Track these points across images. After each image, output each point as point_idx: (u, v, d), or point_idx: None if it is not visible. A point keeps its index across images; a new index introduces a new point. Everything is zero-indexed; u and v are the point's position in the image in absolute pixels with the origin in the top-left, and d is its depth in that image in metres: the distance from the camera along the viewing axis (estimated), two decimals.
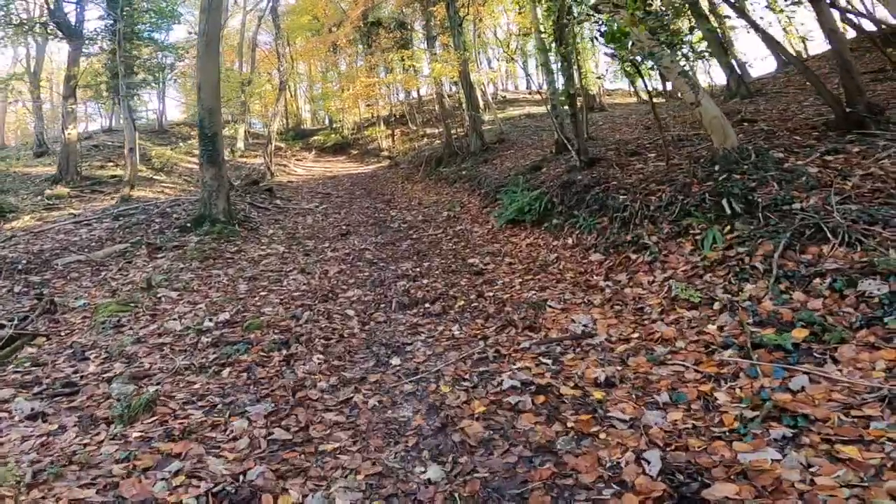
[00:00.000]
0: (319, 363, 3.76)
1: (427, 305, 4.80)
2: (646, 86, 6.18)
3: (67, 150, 15.00)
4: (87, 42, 14.23)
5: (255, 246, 7.73)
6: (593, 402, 2.90)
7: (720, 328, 3.36)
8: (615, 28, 4.94)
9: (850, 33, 10.36)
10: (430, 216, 9.74)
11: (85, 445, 2.87)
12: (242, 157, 22.43)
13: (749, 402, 2.62)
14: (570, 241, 5.91)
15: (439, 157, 16.34)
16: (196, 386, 3.47)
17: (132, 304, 5.30)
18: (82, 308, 5.56)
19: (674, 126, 9.19)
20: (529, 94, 30.98)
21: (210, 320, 4.75)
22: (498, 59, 33.75)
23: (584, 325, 3.88)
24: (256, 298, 5.42)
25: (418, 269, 6.10)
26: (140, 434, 2.91)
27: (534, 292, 4.76)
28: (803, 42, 17.17)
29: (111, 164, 17.62)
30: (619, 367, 3.22)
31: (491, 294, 4.92)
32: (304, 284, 5.82)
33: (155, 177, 16.29)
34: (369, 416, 3.01)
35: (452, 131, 17.00)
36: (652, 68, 6.62)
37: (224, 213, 8.22)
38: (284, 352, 3.98)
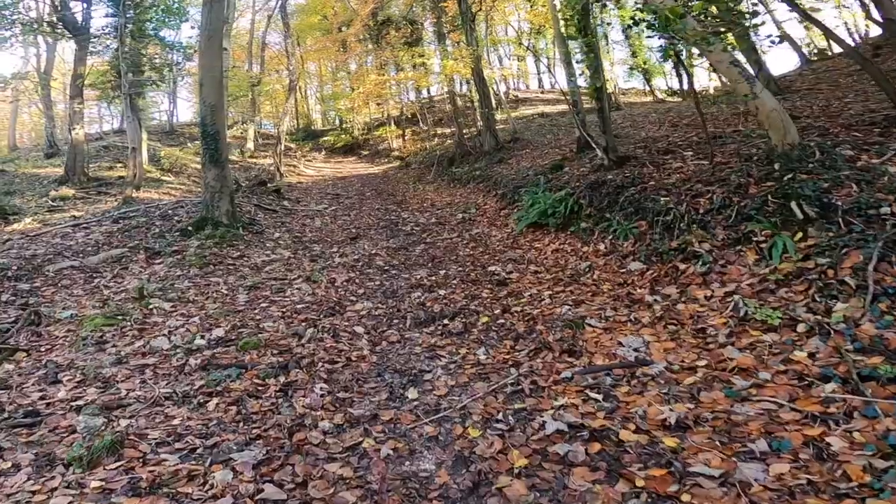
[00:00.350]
0: (322, 394, 3.19)
1: (446, 322, 4.21)
2: (689, 80, 5.53)
3: (74, 150, 14.64)
4: (93, 40, 13.84)
5: (259, 251, 7.20)
6: (665, 451, 2.29)
7: (811, 356, 2.73)
8: (667, 12, 4.30)
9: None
10: (444, 218, 9.16)
11: (34, 493, 2.33)
12: (252, 158, 22.02)
13: (875, 449, 2.02)
14: (602, 247, 5.29)
15: (451, 157, 15.76)
16: (175, 421, 2.91)
17: (120, 317, 4.77)
18: (69, 320, 5.05)
19: (689, 126, 8.50)
20: (541, 93, 30.30)
21: (202, 337, 4.20)
22: (509, 58, 33.12)
23: (636, 350, 3.27)
24: (256, 311, 4.87)
25: (434, 278, 5.51)
26: (100, 483, 2.36)
27: (568, 307, 4.14)
28: (827, 40, 16.35)
29: (120, 164, 17.28)
30: (691, 405, 2.60)
31: (518, 309, 4.31)
32: (310, 295, 5.26)
33: (163, 177, 15.89)
34: (382, 470, 2.42)
35: (464, 131, 16.43)
36: (690, 58, 5.97)
37: (227, 215, 7.70)
38: (282, 379, 3.41)
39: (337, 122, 34.58)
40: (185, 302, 5.18)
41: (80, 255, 6.96)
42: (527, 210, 7.02)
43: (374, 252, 7.02)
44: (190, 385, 3.39)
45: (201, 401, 3.18)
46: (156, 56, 14.89)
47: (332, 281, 5.69)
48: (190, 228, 7.58)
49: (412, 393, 3.15)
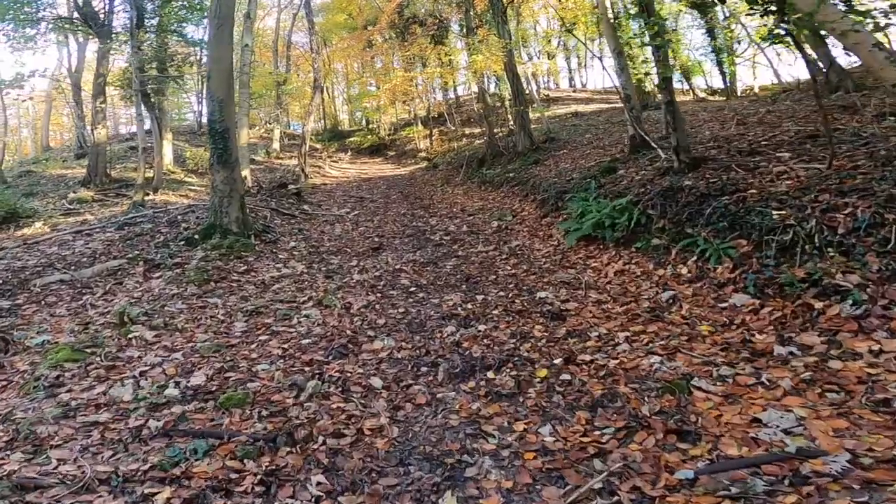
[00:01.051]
0: (318, 496, 2.18)
1: (490, 375, 3.14)
2: (810, 66, 4.32)
3: (97, 150, 14.22)
4: (114, 37, 13.33)
5: (269, 263, 6.29)
6: None
7: None
8: None
9: None
10: (476, 226, 8.09)
11: None
12: (278, 159, 21.46)
13: None
14: (684, 270, 4.13)
15: (481, 158, 14.68)
16: None
17: (91, 350, 3.89)
18: (38, 348, 4.22)
19: (760, 124, 7.19)
20: (573, 91, 28.89)
21: (177, 384, 3.25)
22: (538, 56, 31.79)
23: (787, 431, 2.14)
24: (253, 345, 3.91)
25: (470, 306, 4.45)
26: None
27: (658, 358, 3.02)
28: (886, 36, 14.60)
29: (147, 165, 16.84)
30: None
31: (587, 358, 3.21)
32: (319, 325, 4.28)
33: (186, 179, 15.34)
34: None
35: (494, 130, 15.31)
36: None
37: (237, 222, 6.83)
38: (266, 461, 2.41)
39: (364, 122, 33.95)
40: (171, 330, 4.27)
41: (74, 268, 6.19)
42: (577, 220, 5.89)
43: (398, 267, 6.01)
44: (140, 462, 2.42)
45: (147, 492, 2.21)
46: (178, 53, 14.31)
47: (348, 306, 4.69)
48: (196, 237, 6.74)
49: (449, 502, 2.10)
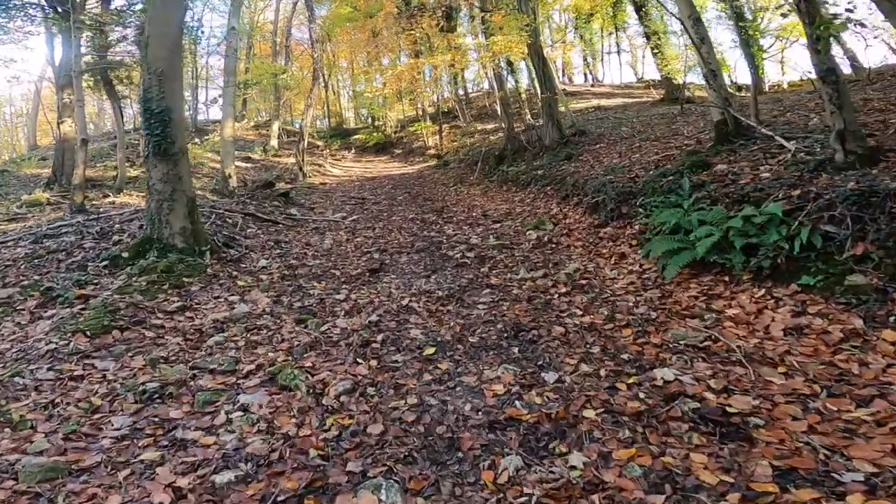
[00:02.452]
0: None
1: None
2: None
3: (63, 148, 12.29)
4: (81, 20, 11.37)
5: (221, 295, 4.29)
6: None
7: None
8: None
9: None
10: (507, 237, 6.05)
11: None
12: (275, 157, 19.49)
13: None
14: None
15: (500, 154, 12.62)
16: None
17: None
18: None
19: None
20: (591, 86, 26.75)
21: None
22: (551, 48, 29.60)
23: None
24: (121, 477, 1.91)
25: (538, 399, 2.40)
26: None
27: None
28: None
29: (128, 164, 14.93)
30: None
31: None
32: (261, 433, 2.26)
33: None
34: None
35: (514, 123, 13.26)
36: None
37: (183, 235, 4.83)
38: None
39: (369, 120, 31.95)
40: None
41: None
42: (671, 236, 3.84)
43: (405, 303, 3.98)
44: None
45: None
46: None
47: (319, 390, 2.67)
48: (124, 255, 4.75)
49: None
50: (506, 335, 3.25)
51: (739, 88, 20.08)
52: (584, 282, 4.05)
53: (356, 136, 26.96)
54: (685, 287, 3.48)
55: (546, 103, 10.78)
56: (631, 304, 3.48)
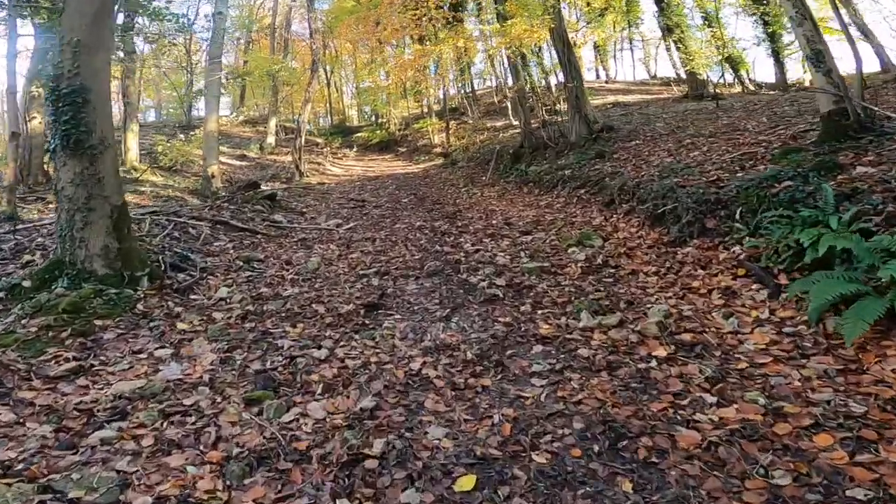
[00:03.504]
0: None
1: None
2: None
3: (30, 145, 10.93)
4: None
5: (142, 348, 2.90)
6: None
7: None
8: None
9: None
10: (544, 255, 4.63)
11: None
12: (272, 155, 18.13)
13: None
14: None
15: (516, 152, 11.21)
16: None
17: None
18: None
19: None
20: (606, 82, 25.29)
21: None
22: (579, 31, 28.03)
23: None
24: None
25: None
26: None
27: None
28: None
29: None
30: None
31: None
32: None
33: (147, 177, 12.02)
34: None
35: (513, 122, 11.80)
36: None
37: (105, 256, 3.44)
38: None
39: (373, 118, 30.57)
40: None
41: None
42: (843, 275, 2.43)
43: (416, 370, 2.59)
44: None
45: None
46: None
47: None
48: (26, 284, 3.37)
49: None
50: (597, 449, 1.84)
51: (760, 86, 18.60)
52: (688, 337, 2.64)
53: (359, 134, 25.57)
54: (878, 353, 2.07)
55: (572, 94, 9.35)
56: (797, 383, 2.06)
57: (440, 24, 15.93)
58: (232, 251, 5.05)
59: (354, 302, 3.69)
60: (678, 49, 17.97)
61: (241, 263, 4.61)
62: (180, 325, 3.21)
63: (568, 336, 2.84)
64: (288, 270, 4.64)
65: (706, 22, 19.12)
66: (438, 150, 18.56)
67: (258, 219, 6.45)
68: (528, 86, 15.02)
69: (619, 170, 6.80)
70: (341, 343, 3.01)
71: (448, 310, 3.46)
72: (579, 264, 4.16)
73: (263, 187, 9.07)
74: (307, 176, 14.51)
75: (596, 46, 29.94)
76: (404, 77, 16.79)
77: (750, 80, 20.57)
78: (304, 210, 8.11)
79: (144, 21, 13.12)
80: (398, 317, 3.41)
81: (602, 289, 3.54)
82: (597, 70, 29.85)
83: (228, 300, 3.72)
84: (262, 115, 25.39)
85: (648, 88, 22.07)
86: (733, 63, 19.21)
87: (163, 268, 3.84)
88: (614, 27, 29.97)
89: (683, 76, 18.91)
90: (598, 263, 4.13)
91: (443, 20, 15.61)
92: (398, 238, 6.11)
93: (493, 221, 6.63)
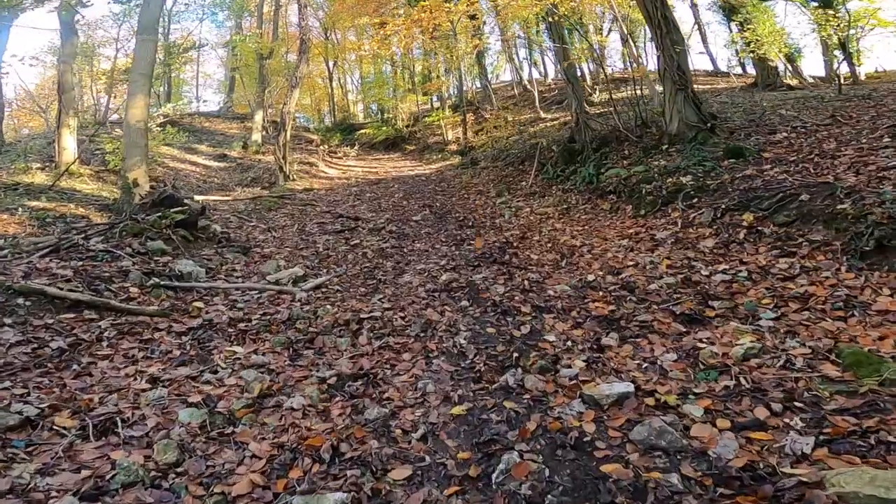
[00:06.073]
0: None
1: None
2: None
3: None
4: None
5: None
6: None
7: None
8: None
9: None
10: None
11: None
12: (258, 154, 15.01)
13: None
14: None
15: (567, 148, 7.95)
16: None
17: None
18: None
19: None
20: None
21: None
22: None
23: None
24: None
25: None
26: None
27: None
28: None
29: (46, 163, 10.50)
30: None
31: None
32: None
33: (68, 185, 8.91)
34: None
35: (542, 115, 8.43)
36: None
37: None
38: None
39: (379, 115, 27.39)
40: None
41: None
42: None
43: None
44: None
45: None
46: None
47: None
48: None
49: None
50: None
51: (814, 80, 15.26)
52: None
53: (362, 131, 22.39)
54: None
55: (671, 65, 6.05)
56: None
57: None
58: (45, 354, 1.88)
59: None
60: (742, 31, 14.68)
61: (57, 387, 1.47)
62: None
63: None
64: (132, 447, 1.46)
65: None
66: (454, 147, 15.33)
67: (140, 269, 3.28)
68: (586, 58, 11.60)
69: (804, 180, 3.58)
70: None
71: None
72: None
73: (217, 198, 5.92)
74: (293, 179, 11.36)
75: (621, 35, 26.49)
76: (413, 38, 13.41)
77: (792, 72, 17.27)
78: (256, 240, 4.92)
79: None
80: None
81: None
82: (626, 60, 26.43)
83: None
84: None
85: (696, 78, 18.68)
86: (789, 57, 15.94)
87: None
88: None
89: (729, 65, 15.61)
90: None
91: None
92: (408, 315, 2.93)
93: (589, 276, 3.40)
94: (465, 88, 18.97)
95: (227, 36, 23.87)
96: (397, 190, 9.59)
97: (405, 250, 4.62)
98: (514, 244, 4.51)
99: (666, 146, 5.74)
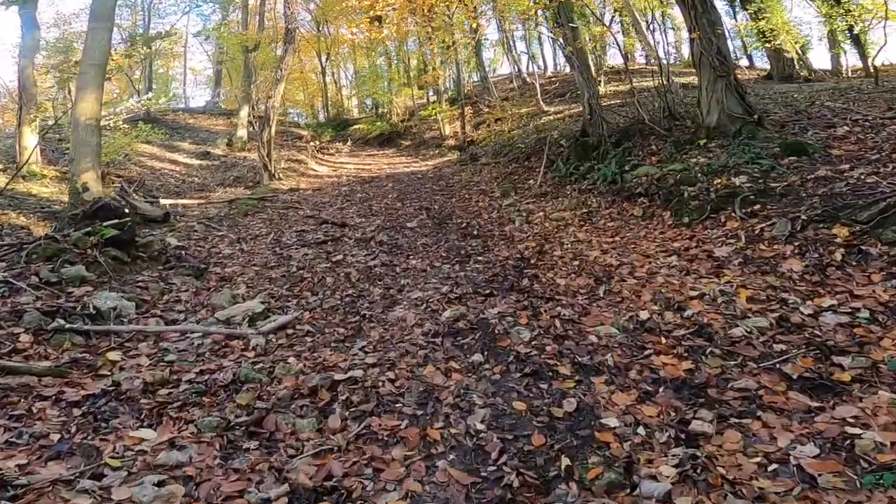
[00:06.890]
0: None
1: None
2: None
3: None
4: None
5: None
6: None
7: None
8: None
9: None
10: None
11: None
12: (243, 151, 14.10)
13: None
14: None
15: (581, 143, 7.09)
16: None
17: None
18: None
19: None
20: (646, 65, 21.04)
21: None
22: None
23: None
24: None
25: None
26: None
27: None
28: None
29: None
30: None
31: None
32: None
33: (21, 187, 7.99)
34: None
35: (544, 108, 7.53)
36: None
37: None
38: None
39: (374, 110, 26.36)
40: None
41: None
42: None
43: None
44: None
45: None
46: None
47: None
48: None
49: None
50: None
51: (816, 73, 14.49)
52: None
53: (356, 127, 21.45)
54: None
55: (710, 48, 5.16)
56: None
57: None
58: None
59: None
60: (756, 20, 13.92)
61: None
62: None
63: None
64: None
65: None
66: (451, 142, 14.43)
67: (42, 306, 2.40)
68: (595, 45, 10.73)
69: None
70: None
71: None
72: None
73: (188, 202, 5.05)
74: (279, 178, 10.44)
75: (623, 27, 25.63)
76: (405, 27, 12.47)
77: (806, 65, 16.50)
78: (219, 258, 4.03)
79: None
80: None
81: None
82: (625, 54, 25.50)
83: None
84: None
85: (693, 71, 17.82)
86: (804, 46, 15.20)
87: None
88: (647, 7, 25.70)
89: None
90: None
91: None
92: (400, 377, 2.08)
93: (642, 312, 2.55)
94: (462, 80, 17.99)
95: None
96: (391, 189, 8.70)
97: (398, 269, 3.75)
98: (532, 261, 3.65)
99: (704, 140, 4.87)
